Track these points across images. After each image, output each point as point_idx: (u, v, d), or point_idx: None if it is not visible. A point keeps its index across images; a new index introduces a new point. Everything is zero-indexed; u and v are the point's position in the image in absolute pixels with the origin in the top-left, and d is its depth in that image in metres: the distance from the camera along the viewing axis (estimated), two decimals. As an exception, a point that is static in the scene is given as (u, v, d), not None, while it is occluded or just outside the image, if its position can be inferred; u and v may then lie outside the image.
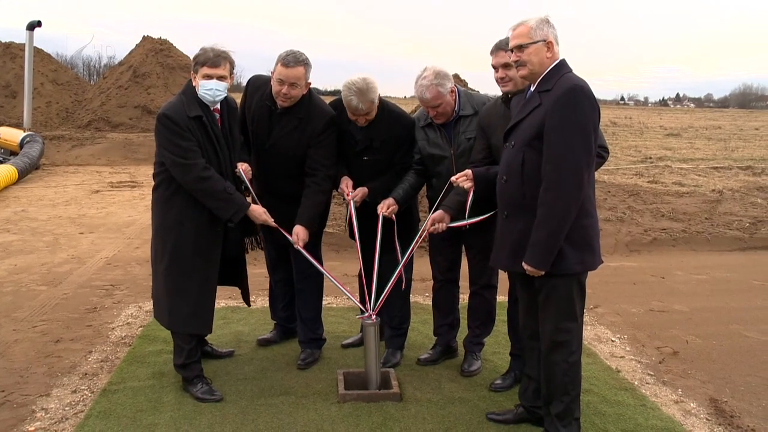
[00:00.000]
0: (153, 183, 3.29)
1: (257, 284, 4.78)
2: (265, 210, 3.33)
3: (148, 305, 4.47)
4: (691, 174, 12.11)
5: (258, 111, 3.49)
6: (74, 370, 3.61)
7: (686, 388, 3.58)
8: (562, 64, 2.69)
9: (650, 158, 15.43)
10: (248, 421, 3.04)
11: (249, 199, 3.38)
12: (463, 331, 3.79)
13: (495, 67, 3.14)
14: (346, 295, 3.51)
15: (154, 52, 18.56)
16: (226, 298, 4.75)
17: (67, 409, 3.16)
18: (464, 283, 3.69)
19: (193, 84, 3.15)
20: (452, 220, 3.28)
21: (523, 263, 2.68)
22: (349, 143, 3.55)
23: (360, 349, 3.79)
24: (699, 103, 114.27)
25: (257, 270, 4.96)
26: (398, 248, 3.49)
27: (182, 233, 3.18)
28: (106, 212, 8.51)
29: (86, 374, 3.55)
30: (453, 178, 3.13)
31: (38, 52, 18.56)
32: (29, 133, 12.80)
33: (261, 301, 4.68)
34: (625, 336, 4.38)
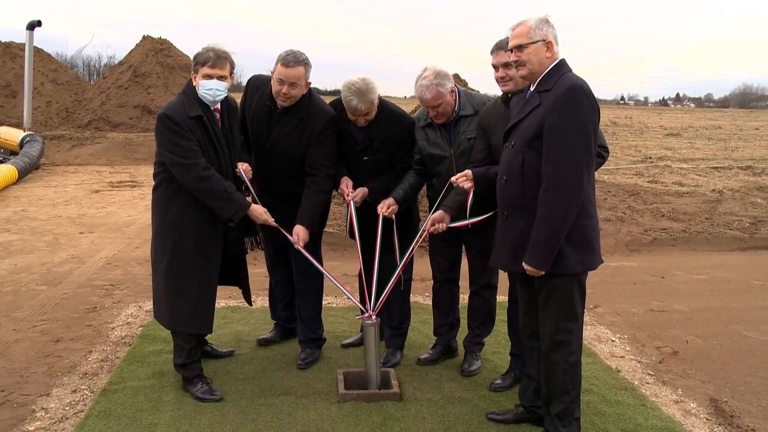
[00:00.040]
0: (153, 183, 3.29)
1: (257, 284, 4.78)
2: (266, 210, 3.33)
3: (148, 305, 4.47)
4: (691, 174, 12.11)
5: (258, 111, 3.50)
6: (74, 370, 3.61)
7: (686, 388, 3.58)
8: (562, 63, 2.69)
9: (650, 158, 15.43)
10: (248, 420, 3.05)
11: (249, 199, 3.38)
12: (463, 331, 3.79)
13: (495, 67, 3.14)
14: (346, 295, 3.51)
15: (154, 52, 18.56)
16: (226, 298, 4.75)
17: (67, 408, 3.16)
18: (464, 283, 3.69)
19: (194, 84, 3.15)
20: (452, 220, 3.28)
21: (523, 263, 2.68)
22: (349, 143, 3.55)
23: (360, 349, 3.79)
24: (699, 102, 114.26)
25: (257, 270, 4.96)
26: (396, 249, 3.50)
27: (183, 233, 3.18)
28: (106, 212, 8.51)
29: (86, 374, 3.55)
30: (453, 179, 3.13)
31: (38, 52, 18.57)
32: (29, 132, 12.80)
33: (261, 301, 4.68)
34: (625, 336, 4.38)
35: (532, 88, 2.75)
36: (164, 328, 3.38)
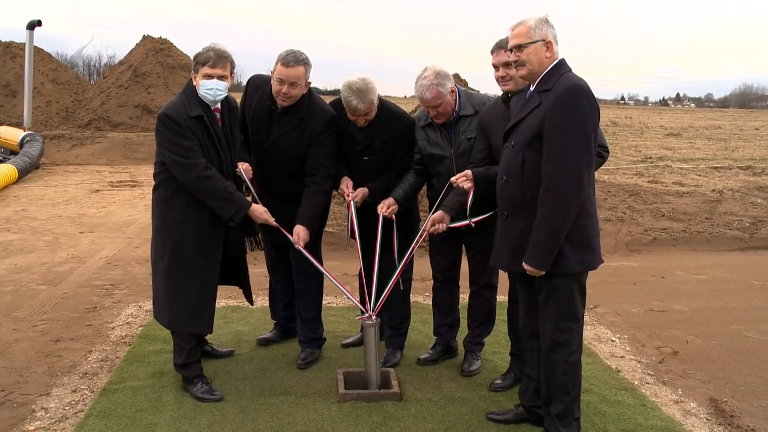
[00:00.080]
0: (153, 182, 3.29)
1: (257, 284, 4.77)
2: (266, 210, 3.33)
3: (148, 305, 4.47)
4: (691, 174, 12.11)
5: (258, 110, 3.50)
6: (74, 370, 3.61)
7: (686, 388, 3.58)
8: (562, 63, 2.69)
9: (650, 158, 15.43)
10: (248, 420, 3.05)
11: (249, 199, 3.38)
12: (463, 331, 3.79)
13: (495, 66, 3.14)
14: (346, 295, 3.51)
15: (154, 52, 18.56)
16: (226, 298, 4.75)
17: (67, 408, 3.16)
18: (464, 282, 3.69)
19: (194, 83, 3.15)
20: (452, 220, 3.28)
21: (523, 263, 2.68)
22: (349, 143, 3.55)
23: (360, 349, 3.79)
24: (699, 102, 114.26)
25: (257, 270, 4.96)
26: (395, 249, 3.49)
27: (183, 233, 3.18)
28: (106, 212, 8.51)
29: (86, 374, 3.55)
30: (453, 179, 3.13)
31: (38, 52, 18.56)
32: (29, 132, 12.80)
33: (261, 300, 4.68)
34: (625, 336, 4.38)
35: (531, 88, 2.75)
36: (164, 327, 3.38)
